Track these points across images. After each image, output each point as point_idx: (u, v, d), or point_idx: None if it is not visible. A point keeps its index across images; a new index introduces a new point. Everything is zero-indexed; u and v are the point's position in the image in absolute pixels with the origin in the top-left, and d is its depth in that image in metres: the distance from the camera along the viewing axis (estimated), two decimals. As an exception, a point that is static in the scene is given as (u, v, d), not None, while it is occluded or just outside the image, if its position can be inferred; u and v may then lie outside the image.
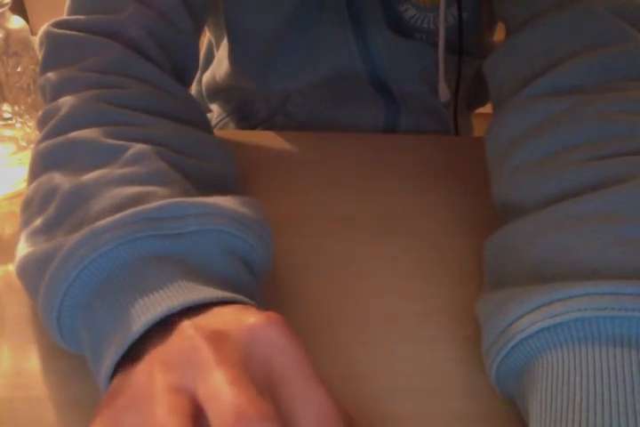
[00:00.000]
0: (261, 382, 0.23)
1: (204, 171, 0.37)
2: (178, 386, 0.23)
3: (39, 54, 0.44)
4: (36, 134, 0.48)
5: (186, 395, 0.22)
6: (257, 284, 0.32)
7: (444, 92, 0.60)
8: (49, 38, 0.43)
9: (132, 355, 0.25)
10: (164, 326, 0.25)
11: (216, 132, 0.47)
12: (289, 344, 0.24)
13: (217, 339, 0.24)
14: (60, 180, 0.33)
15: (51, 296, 0.28)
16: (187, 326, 0.25)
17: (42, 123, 0.38)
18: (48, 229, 0.32)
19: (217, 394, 0.22)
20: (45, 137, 0.36)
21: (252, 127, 0.67)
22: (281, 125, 0.65)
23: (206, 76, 0.68)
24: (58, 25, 0.43)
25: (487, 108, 0.62)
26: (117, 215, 0.29)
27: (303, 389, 0.23)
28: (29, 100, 0.48)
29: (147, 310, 0.25)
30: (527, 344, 0.27)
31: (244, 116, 0.68)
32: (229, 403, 0.21)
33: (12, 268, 0.38)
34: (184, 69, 0.48)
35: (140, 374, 0.24)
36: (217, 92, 0.68)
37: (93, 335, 0.27)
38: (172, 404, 0.22)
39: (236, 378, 0.22)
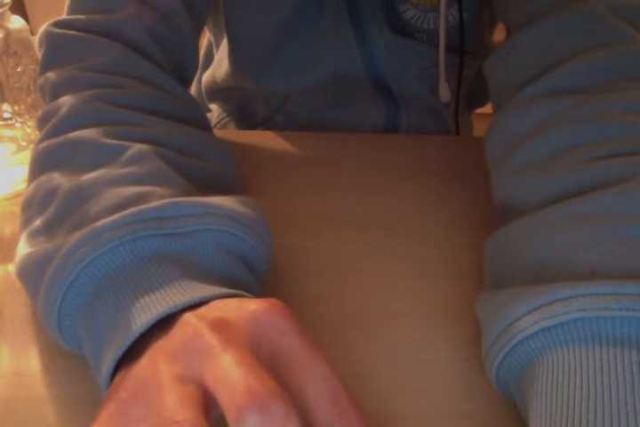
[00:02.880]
0: (267, 365, 0.23)
1: (204, 171, 0.37)
2: (184, 376, 0.23)
3: (39, 54, 0.44)
4: (35, 134, 0.48)
5: (194, 385, 0.22)
6: (256, 283, 0.32)
7: (445, 93, 0.60)
8: (48, 38, 0.43)
9: (133, 354, 0.25)
10: (164, 324, 0.25)
11: (216, 132, 0.47)
12: (291, 327, 0.24)
13: (220, 326, 0.24)
14: (60, 180, 0.33)
15: (51, 296, 0.28)
16: (189, 317, 0.25)
17: (42, 122, 0.38)
18: (48, 229, 0.32)
19: (226, 376, 0.22)
20: (45, 137, 0.36)
21: (252, 127, 0.67)
22: (281, 126, 0.65)
23: (206, 76, 0.68)
24: (57, 25, 0.43)
25: (487, 109, 0.62)
26: (117, 215, 0.29)
27: (308, 368, 0.23)
28: (29, 100, 0.49)
29: (147, 310, 0.25)
30: (527, 344, 0.27)
31: (244, 117, 0.68)
32: (239, 383, 0.21)
33: (12, 268, 0.38)
34: (184, 69, 0.48)
35: (144, 368, 0.24)
36: (217, 91, 0.68)
37: (94, 335, 0.27)
38: (182, 394, 0.22)
39: (242, 360, 0.22)
